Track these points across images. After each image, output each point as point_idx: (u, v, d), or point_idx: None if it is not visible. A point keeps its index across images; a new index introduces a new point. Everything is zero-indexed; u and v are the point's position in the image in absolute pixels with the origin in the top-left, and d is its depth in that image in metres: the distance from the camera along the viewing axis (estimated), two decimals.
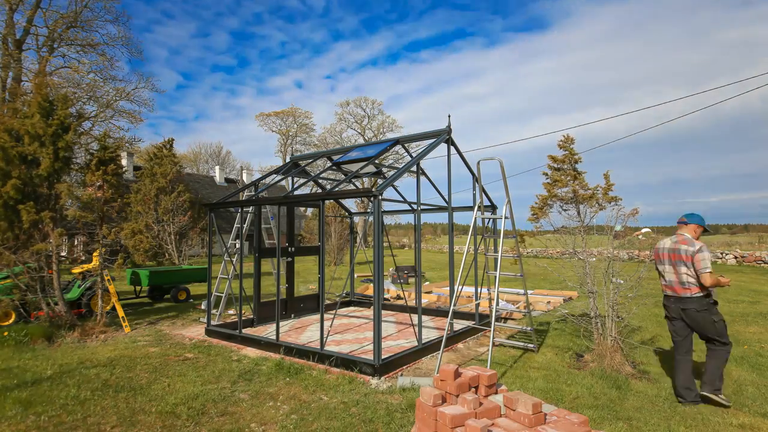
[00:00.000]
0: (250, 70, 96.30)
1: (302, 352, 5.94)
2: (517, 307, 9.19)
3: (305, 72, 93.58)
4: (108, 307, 8.43)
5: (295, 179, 9.41)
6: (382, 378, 5.14)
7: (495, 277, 5.73)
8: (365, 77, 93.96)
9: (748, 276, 15.55)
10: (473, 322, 7.52)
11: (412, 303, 9.12)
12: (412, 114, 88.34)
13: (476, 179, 6.90)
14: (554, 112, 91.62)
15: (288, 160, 9.26)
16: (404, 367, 5.60)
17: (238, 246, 8.34)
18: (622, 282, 5.63)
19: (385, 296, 10.84)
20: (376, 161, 7.41)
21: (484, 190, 7.13)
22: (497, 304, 5.77)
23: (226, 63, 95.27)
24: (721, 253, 21.40)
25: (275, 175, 8.56)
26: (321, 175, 8.77)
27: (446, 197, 7.27)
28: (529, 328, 6.29)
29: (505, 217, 5.97)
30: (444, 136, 6.93)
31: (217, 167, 42.10)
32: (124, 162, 29.01)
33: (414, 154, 8.18)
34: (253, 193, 8.58)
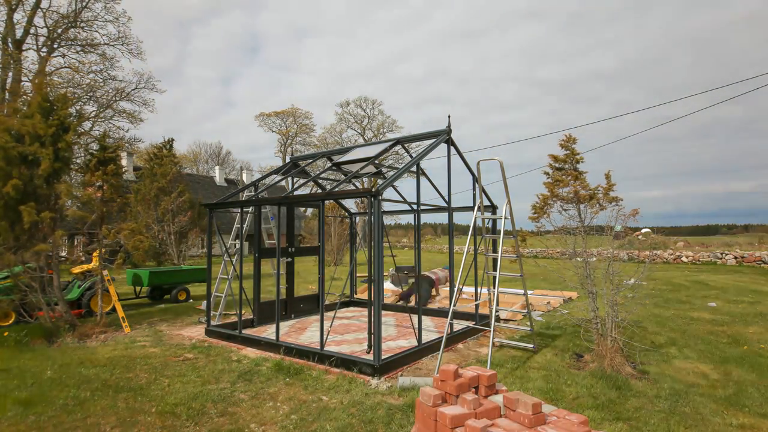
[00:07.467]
0: None
1: (302, 353, 5.94)
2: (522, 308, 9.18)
3: None
4: (108, 308, 8.43)
5: (295, 179, 9.40)
6: (382, 378, 5.14)
7: (495, 277, 5.73)
8: None
9: (748, 276, 15.54)
10: (473, 323, 7.52)
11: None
12: None
13: (476, 179, 6.90)
14: None
15: (288, 160, 9.26)
16: (404, 368, 5.60)
17: (237, 246, 8.33)
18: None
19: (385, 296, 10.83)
20: (376, 161, 7.41)
21: (483, 191, 7.13)
22: (497, 304, 5.77)
23: None
24: (721, 254, 21.38)
25: (275, 176, 8.56)
26: (321, 176, 8.76)
27: (446, 197, 7.27)
28: (529, 329, 6.29)
29: (505, 218, 5.97)
30: (444, 137, 6.92)
31: (217, 167, 42.04)
32: (123, 162, 28.98)
33: (414, 155, 8.18)
34: (253, 193, 8.57)
